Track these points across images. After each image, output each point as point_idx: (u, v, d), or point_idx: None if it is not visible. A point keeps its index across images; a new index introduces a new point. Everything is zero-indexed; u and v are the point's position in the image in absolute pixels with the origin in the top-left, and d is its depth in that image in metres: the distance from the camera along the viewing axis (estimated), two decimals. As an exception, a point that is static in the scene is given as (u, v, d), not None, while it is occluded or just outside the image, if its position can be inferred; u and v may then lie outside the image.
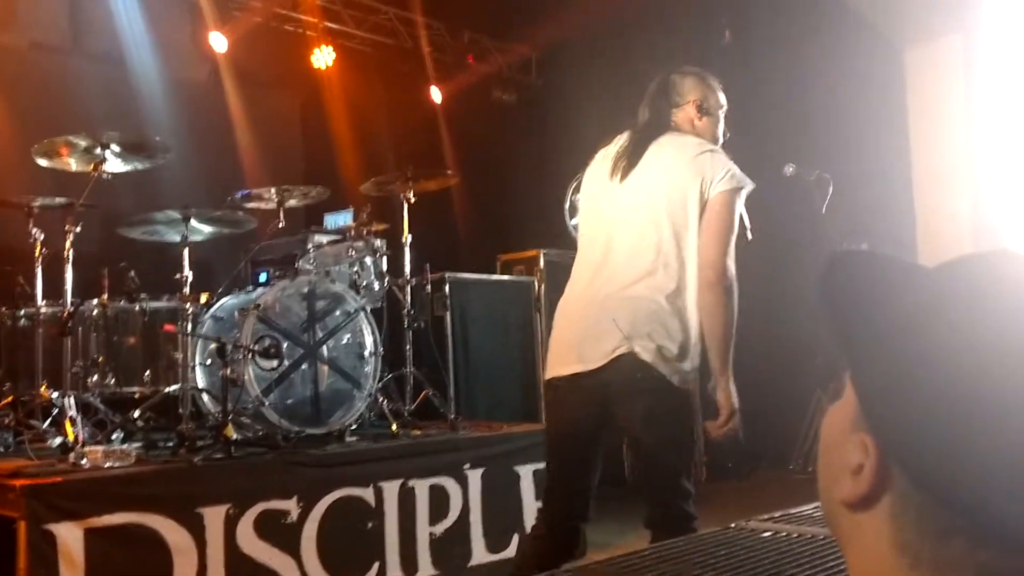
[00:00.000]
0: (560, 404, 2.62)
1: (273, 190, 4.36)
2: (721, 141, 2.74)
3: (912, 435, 0.58)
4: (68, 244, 3.84)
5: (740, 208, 2.55)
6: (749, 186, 2.56)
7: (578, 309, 2.58)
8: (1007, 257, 0.62)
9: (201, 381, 3.96)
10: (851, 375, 0.63)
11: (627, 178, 2.61)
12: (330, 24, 6.87)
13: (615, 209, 2.62)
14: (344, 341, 4.15)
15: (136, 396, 4.04)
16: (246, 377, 3.64)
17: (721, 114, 2.77)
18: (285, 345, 3.81)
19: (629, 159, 2.63)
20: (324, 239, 4.85)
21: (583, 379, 2.50)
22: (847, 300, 0.64)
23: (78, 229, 3.88)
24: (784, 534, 2.00)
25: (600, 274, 2.57)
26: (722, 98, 2.78)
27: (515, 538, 3.88)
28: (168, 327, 3.90)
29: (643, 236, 2.53)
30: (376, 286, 4.56)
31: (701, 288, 2.50)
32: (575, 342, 2.54)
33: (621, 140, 2.70)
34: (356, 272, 4.52)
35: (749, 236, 2.67)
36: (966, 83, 6.30)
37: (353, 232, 4.54)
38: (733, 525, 2.14)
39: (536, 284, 5.76)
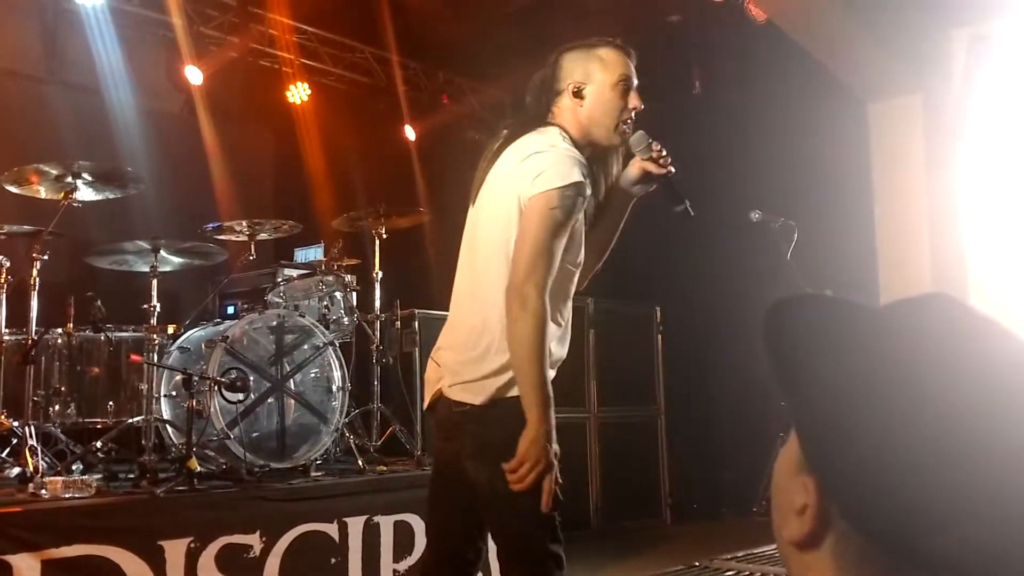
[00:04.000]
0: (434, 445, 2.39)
1: (244, 223, 4.37)
2: (619, 120, 2.21)
3: (848, 476, 0.60)
4: (34, 272, 3.81)
5: (571, 211, 2.04)
6: (573, 179, 2.03)
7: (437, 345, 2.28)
8: (943, 302, 0.64)
9: (166, 413, 3.93)
10: (793, 417, 0.65)
11: (475, 201, 2.26)
12: (306, 61, 6.93)
13: (466, 237, 2.28)
14: (312, 375, 4.14)
15: (98, 427, 3.99)
16: (211, 409, 3.62)
17: (620, 87, 2.20)
18: (252, 378, 3.80)
19: (477, 179, 2.26)
20: (294, 273, 4.85)
21: (429, 415, 2.26)
22: (788, 343, 0.66)
23: (45, 257, 3.85)
24: (747, 573, 2.03)
25: (452, 306, 2.27)
26: (621, 67, 2.22)
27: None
28: (134, 357, 3.86)
29: (473, 264, 2.20)
30: (345, 321, 4.57)
31: (506, 317, 2.04)
32: (426, 376, 2.27)
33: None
34: (326, 306, 4.52)
35: (691, 211, 2.25)
36: (926, 139, 6.49)
37: (323, 266, 4.56)
38: (697, 564, 2.17)
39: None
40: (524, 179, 2.06)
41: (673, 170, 2.24)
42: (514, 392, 2.04)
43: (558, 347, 2.15)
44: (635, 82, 2.24)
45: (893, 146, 6.58)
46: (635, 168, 2.26)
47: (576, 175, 2.04)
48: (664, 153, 2.24)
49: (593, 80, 2.20)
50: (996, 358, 0.61)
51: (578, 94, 2.19)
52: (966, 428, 0.57)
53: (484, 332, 2.09)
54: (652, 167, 2.24)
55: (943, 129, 6.39)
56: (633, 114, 2.23)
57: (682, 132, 6.14)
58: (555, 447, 2.00)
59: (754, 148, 6.38)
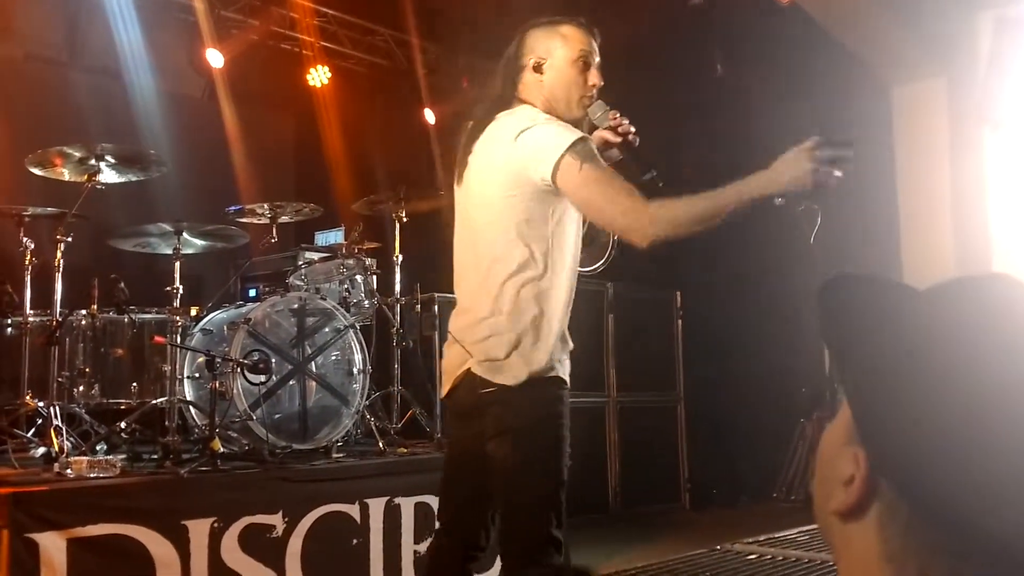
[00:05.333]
0: (450, 427, 2.48)
1: (266, 206, 4.38)
2: (581, 95, 2.26)
3: (900, 448, 0.61)
4: (59, 254, 3.84)
5: (591, 153, 2.09)
6: (571, 138, 2.08)
7: (449, 329, 2.32)
8: (1002, 281, 0.65)
9: (189, 394, 3.96)
10: (845, 390, 0.66)
11: (462, 180, 2.29)
12: (326, 44, 6.93)
13: (460, 217, 2.32)
14: (333, 358, 4.15)
15: (122, 407, 4.03)
16: (234, 391, 3.64)
17: (581, 63, 2.25)
18: (274, 360, 3.81)
19: (462, 156, 2.28)
20: (315, 256, 4.87)
21: (450, 400, 2.29)
22: (843, 318, 0.67)
23: (69, 239, 3.88)
24: (769, 556, 2.02)
25: (457, 289, 2.32)
26: (581, 43, 2.26)
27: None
28: (158, 338, 3.89)
29: (480, 243, 2.22)
30: (366, 304, 4.58)
31: (647, 245, 2.06)
32: (444, 363, 2.32)
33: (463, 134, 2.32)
34: (346, 290, 4.53)
35: (659, 183, 2.21)
36: (950, 122, 6.41)
37: (344, 250, 4.57)
38: (719, 547, 2.15)
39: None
40: (523, 162, 2.10)
41: (636, 138, 2.27)
42: (538, 373, 2.10)
43: (562, 320, 2.20)
44: (597, 59, 2.28)
45: (917, 130, 6.51)
46: (597, 138, 2.28)
47: (573, 133, 2.09)
48: (624, 121, 2.27)
49: (553, 55, 2.25)
50: None
51: (538, 69, 2.24)
52: None
53: (502, 315, 2.12)
54: (610, 135, 2.27)
55: (968, 113, 6.31)
56: (594, 90, 2.27)
57: (704, 115, 6.10)
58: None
59: (776, 131, 6.31)
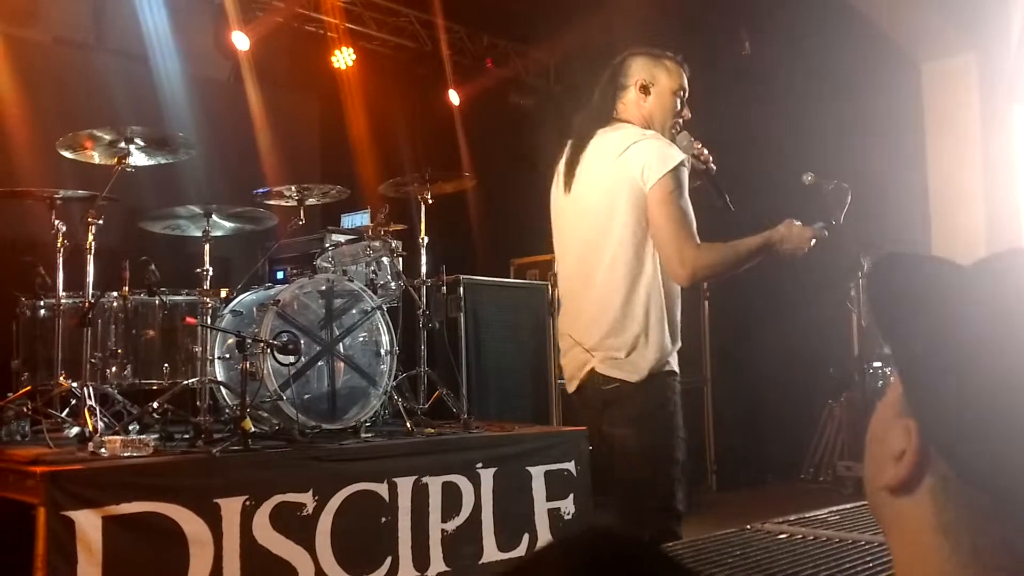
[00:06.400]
0: (578, 416, 2.74)
1: (294, 188, 4.40)
2: (676, 125, 2.59)
3: (953, 419, 0.62)
4: (90, 236, 3.88)
5: (682, 185, 2.39)
6: (677, 160, 2.38)
7: (563, 332, 2.62)
8: None
9: (219, 374, 3.99)
10: (896, 363, 0.67)
11: (571, 189, 2.54)
12: (351, 26, 6.93)
13: (568, 223, 2.59)
14: (360, 339, 4.18)
15: (154, 388, 4.08)
16: (264, 372, 3.67)
17: (677, 95, 2.58)
18: (303, 341, 3.84)
19: (569, 167, 2.55)
20: (342, 238, 4.89)
21: (579, 396, 2.57)
22: (893, 297, 0.68)
23: (100, 222, 3.92)
24: (799, 536, 2.01)
25: (568, 293, 2.60)
26: (681, 80, 2.59)
27: (526, 537, 3.90)
28: (189, 319, 3.93)
29: (590, 249, 2.47)
30: (392, 286, 4.59)
31: (682, 286, 2.48)
32: (565, 363, 2.61)
33: (567, 147, 2.61)
34: (373, 271, 4.55)
35: (732, 207, 2.59)
36: (981, 99, 6.32)
37: (371, 232, 4.58)
38: (749, 527, 2.15)
39: (550, 289, 5.78)
40: (636, 165, 2.38)
41: (714, 167, 2.58)
42: (659, 368, 2.42)
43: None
44: (687, 94, 2.62)
45: (947, 107, 6.42)
46: None
47: (678, 153, 2.40)
48: (705, 151, 2.58)
49: (658, 82, 2.56)
50: None
51: (645, 90, 2.55)
52: None
53: (624, 318, 2.40)
54: (693, 162, 2.55)
55: (999, 90, 6.22)
56: (681, 120, 2.60)
57: (733, 93, 6.04)
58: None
59: (806, 109, 6.25)
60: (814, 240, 2.50)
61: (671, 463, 2.44)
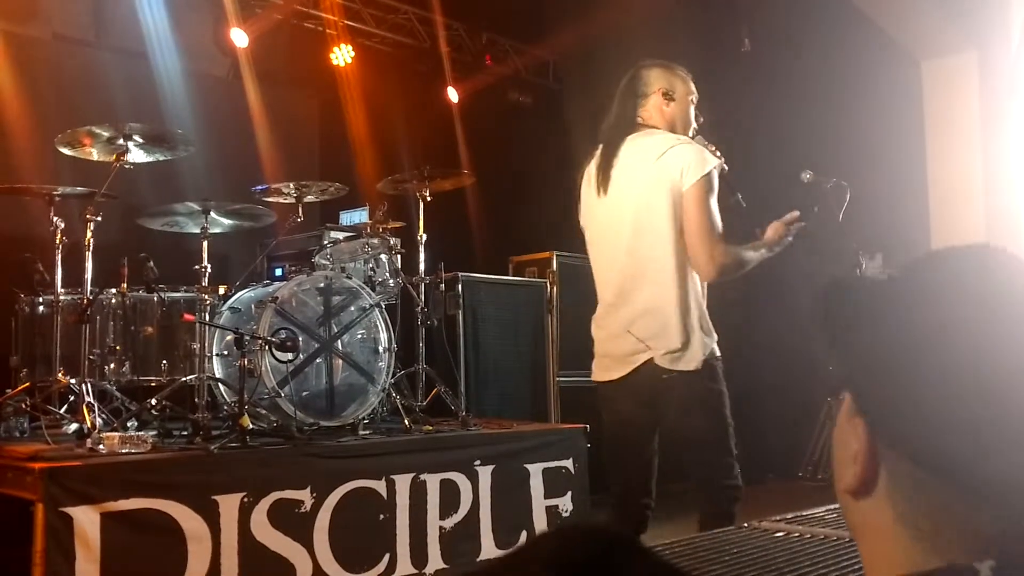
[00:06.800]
0: (611, 404, 2.86)
1: (292, 185, 4.40)
2: (693, 126, 2.87)
3: (897, 409, 0.66)
4: (89, 233, 3.88)
5: (714, 188, 2.67)
6: (713, 164, 2.67)
7: (606, 324, 2.83)
8: (989, 251, 0.70)
9: (218, 371, 3.99)
10: (844, 378, 0.72)
11: (606, 191, 2.78)
12: (350, 23, 6.92)
13: (605, 225, 2.81)
14: (359, 336, 4.18)
15: (152, 384, 4.08)
16: (262, 368, 3.67)
17: (691, 101, 2.87)
18: (301, 338, 3.84)
19: (603, 171, 2.78)
20: (340, 235, 4.88)
21: (621, 383, 2.76)
22: (829, 316, 0.74)
23: (99, 218, 3.92)
24: (796, 534, 2.01)
25: (611, 289, 2.80)
26: (692, 87, 2.88)
27: (523, 535, 3.90)
28: (187, 316, 3.93)
29: (637, 247, 2.71)
30: (391, 283, 4.59)
31: (706, 282, 2.77)
32: (607, 352, 2.82)
33: (597, 153, 2.86)
34: (371, 269, 4.55)
35: (743, 203, 2.84)
36: (981, 97, 6.31)
37: (369, 229, 4.58)
38: (746, 525, 2.15)
39: (548, 286, 5.78)
40: (675, 167, 2.64)
41: (726, 168, 2.77)
42: (708, 356, 2.70)
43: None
44: (697, 100, 2.92)
45: (947, 105, 6.42)
46: None
47: (711, 161, 2.67)
48: (719, 154, 2.77)
49: (677, 90, 2.84)
50: None
51: (668, 96, 2.82)
52: (1006, 361, 0.63)
53: (679, 313, 2.66)
54: None
55: (999, 88, 6.21)
56: (696, 124, 2.88)
57: (731, 91, 6.04)
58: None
59: (805, 107, 6.25)
60: (790, 228, 2.80)
61: (725, 430, 2.76)
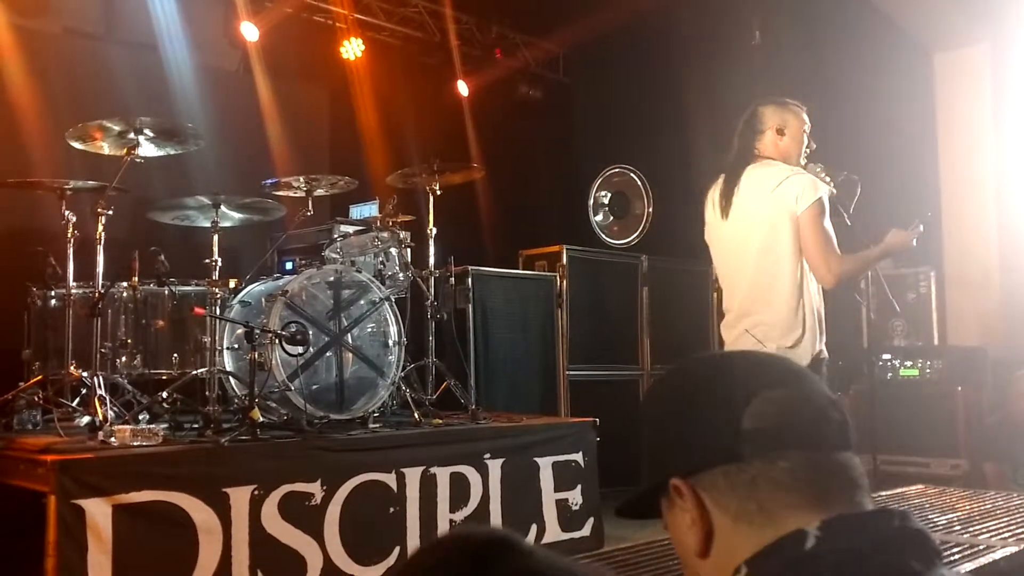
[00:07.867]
0: None
1: (302, 178, 4.40)
2: (805, 155, 3.26)
3: (681, 452, 0.91)
4: (100, 227, 3.90)
5: (825, 209, 3.08)
6: (824, 191, 3.09)
7: (734, 327, 3.20)
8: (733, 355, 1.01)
9: (228, 365, 4.01)
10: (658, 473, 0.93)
11: (728, 216, 3.19)
12: (360, 16, 6.91)
13: (731, 244, 3.23)
14: (369, 330, 4.18)
15: (164, 378, 4.10)
16: (273, 362, 3.68)
17: (804, 131, 3.26)
18: (311, 332, 3.85)
19: (726, 198, 3.19)
20: (350, 229, 4.89)
21: None
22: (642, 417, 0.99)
23: (110, 212, 3.94)
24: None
25: (738, 299, 3.19)
26: (805, 118, 3.28)
27: (534, 528, 3.91)
28: (198, 309, 3.94)
29: (763, 265, 3.10)
30: (400, 277, 4.60)
31: (826, 288, 3.16)
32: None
33: (719, 181, 3.27)
34: (381, 262, 4.55)
35: (848, 221, 3.29)
36: (994, 90, 6.27)
37: (379, 223, 4.58)
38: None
39: (558, 280, 5.77)
40: (790, 197, 3.05)
41: (835, 190, 3.22)
42: (816, 354, 3.10)
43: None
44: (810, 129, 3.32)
45: (959, 97, 6.38)
46: None
47: (822, 188, 3.09)
48: (828, 177, 3.21)
49: (789, 125, 3.24)
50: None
51: (780, 132, 3.22)
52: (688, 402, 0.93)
53: (793, 317, 3.07)
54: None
55: (1011, 80, 6.17)
56: (809, 151, 3.29)
57: (742, 83, 6.01)
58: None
59: (816, 99, 6.20)
60: (915, 239, 3.21)
61: None
